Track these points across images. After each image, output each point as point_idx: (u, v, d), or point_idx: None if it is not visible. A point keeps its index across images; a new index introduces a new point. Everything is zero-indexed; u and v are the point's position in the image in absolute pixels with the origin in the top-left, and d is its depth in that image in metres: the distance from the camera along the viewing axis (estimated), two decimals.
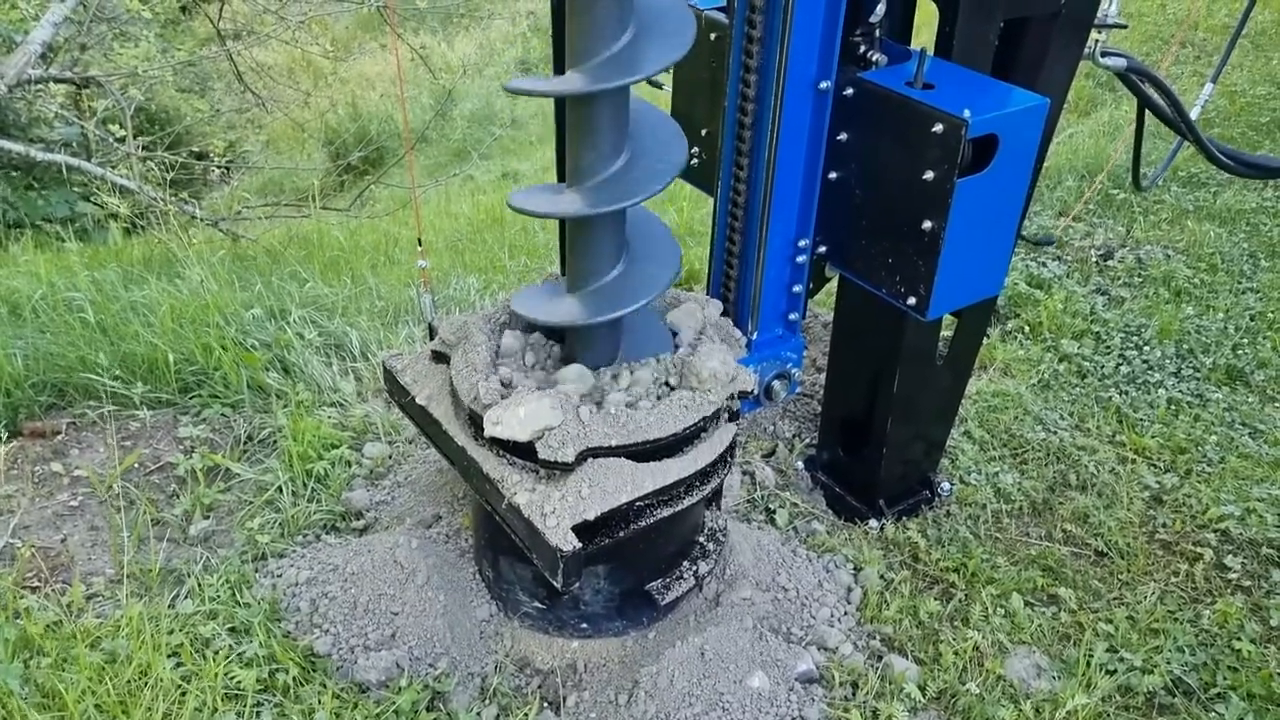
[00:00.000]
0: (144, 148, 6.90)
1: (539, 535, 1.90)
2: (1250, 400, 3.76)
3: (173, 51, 9.21)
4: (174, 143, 7.84)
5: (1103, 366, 3.90)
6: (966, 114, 1.97)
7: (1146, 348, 4.02)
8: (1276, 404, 3.76)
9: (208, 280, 3.98)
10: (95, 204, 7.39)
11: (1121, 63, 2.85)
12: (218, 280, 4.02)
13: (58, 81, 6.90)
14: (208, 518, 2.81)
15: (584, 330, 2.16)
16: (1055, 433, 3.46)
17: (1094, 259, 4.83)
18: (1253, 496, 3.14)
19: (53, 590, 2.46)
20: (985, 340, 4.01)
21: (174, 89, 10.33)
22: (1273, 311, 4.33)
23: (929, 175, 2.07)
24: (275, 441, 3.09)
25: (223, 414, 3.22)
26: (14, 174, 7.49)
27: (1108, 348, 4.03)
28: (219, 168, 8.97)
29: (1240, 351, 4.04)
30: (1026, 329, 4.14)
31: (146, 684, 2.15)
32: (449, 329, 2.31)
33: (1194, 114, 3.55)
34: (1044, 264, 4.69)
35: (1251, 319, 4.29)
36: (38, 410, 3.20)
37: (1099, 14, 2.55)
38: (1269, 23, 8.82)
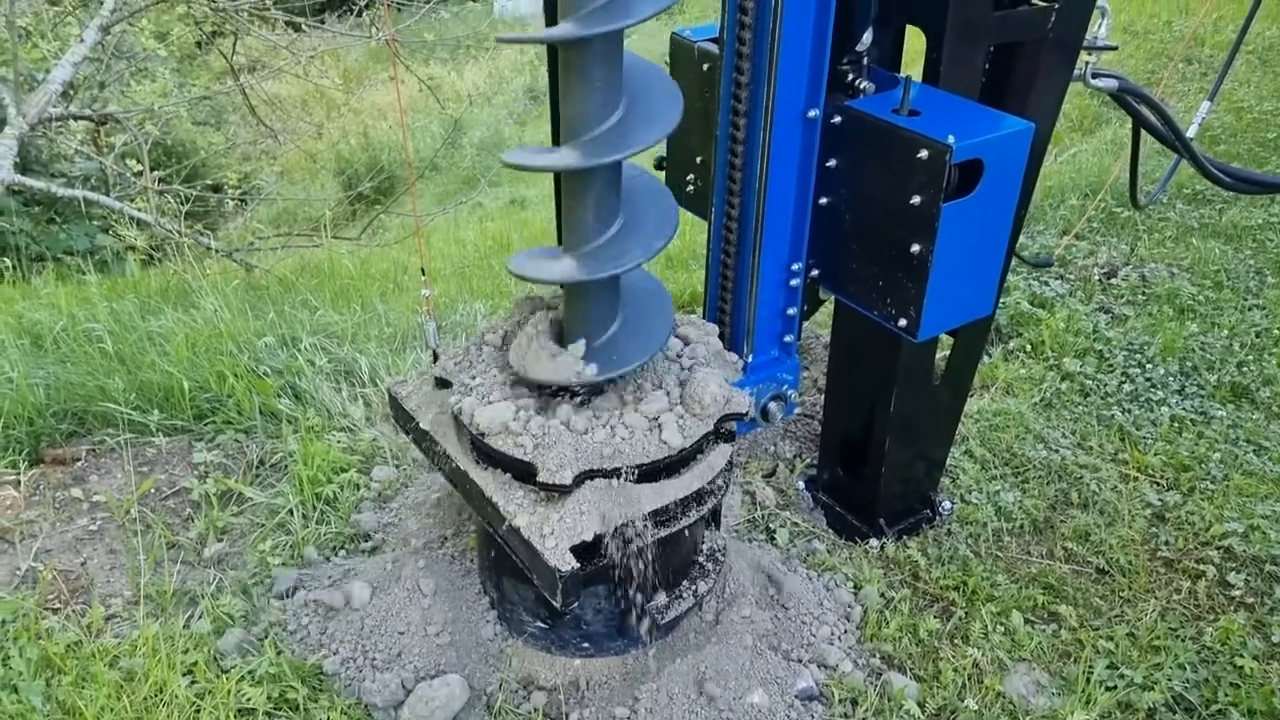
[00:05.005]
0: (160, 181, 7.05)
1: (538, 556, 1.95)
2: (1255, 417, 3.76)
3: (188, 87, 9.43)
4: (190, 176, 7.99)
5: (1105, 385, 3.92)
6: (950, 139, 2.02)
7: (1150, 365, 4.03)
8: None
9: (222, 310, 4.07)
10: (114, 237, 7.55)
11: (1113, 84, 2.89)
12: (231, 309, 4.12)
13: (77, 119, 7.07)
14: (221, 540, 2.87)
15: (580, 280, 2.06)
16: (1057, 451, 3.48)
17: (1097, 277, 4.85)
18: (1256, 513, 3.14)
19: (73, 611, 2.53)
20: (987, 359, 4.04)
21: (190, 123, 10.57)
22: (1279, 328, 4.33)
23: (916, 200, 2.12)
24: (286, 466, 3.16)
25: (236, 439, 3.30)
26: (36, 209, 7.69)
27: (1110, 366, 4.04)
28: (234, 199, 9.14)
29: (1245, 369, 4.04)
30: (1028, 348, 4.16)
31: (162, 701, 2.22)
32: (440, 362, 2.38)
33: (1191, 132, 3.58)
34: (1046, 283, 4.72)
35: (1257, 336, 4.30)
36: (59, 438, 3.28)
37: (1089, 36, 2.60)
38: (1277, 38, 8.84)
